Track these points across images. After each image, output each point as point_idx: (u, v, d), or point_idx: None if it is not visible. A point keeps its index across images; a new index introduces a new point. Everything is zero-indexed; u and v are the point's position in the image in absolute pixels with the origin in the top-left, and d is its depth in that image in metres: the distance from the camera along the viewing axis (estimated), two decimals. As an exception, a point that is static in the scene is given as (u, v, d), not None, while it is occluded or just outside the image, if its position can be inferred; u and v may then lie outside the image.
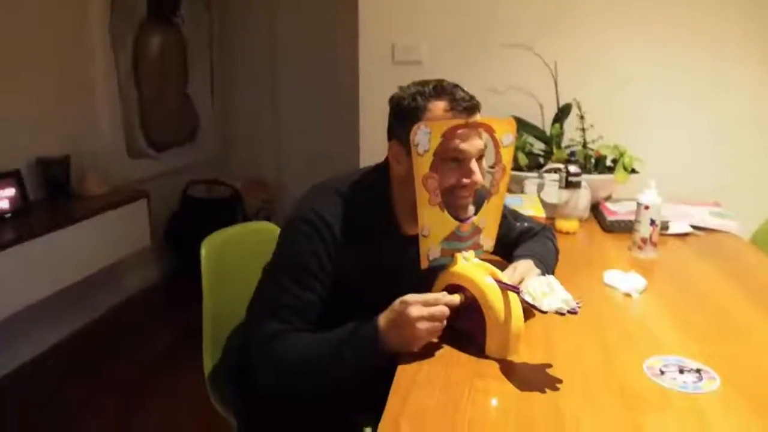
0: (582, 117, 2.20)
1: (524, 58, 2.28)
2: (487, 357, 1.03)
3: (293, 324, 1.09)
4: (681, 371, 0.99)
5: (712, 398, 0.92)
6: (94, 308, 3.00)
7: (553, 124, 2.26)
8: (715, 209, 2.04)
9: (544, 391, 0.93)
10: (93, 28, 2.91)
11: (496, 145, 1.11)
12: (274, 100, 4.05)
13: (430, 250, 1.09)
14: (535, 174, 2.03)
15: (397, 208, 1.19)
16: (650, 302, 1.33)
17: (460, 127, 1.05)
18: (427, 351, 1.04)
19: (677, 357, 1.04)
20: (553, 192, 1.92)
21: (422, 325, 0.99)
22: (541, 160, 2.20)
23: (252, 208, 3.86)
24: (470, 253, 1.12)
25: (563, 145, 2.21)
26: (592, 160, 2.12)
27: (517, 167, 2.11)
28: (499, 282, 1.04)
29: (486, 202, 1.15)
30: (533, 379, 0.97)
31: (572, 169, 1.85)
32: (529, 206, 1.86)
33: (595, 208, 2.03)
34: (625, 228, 1.79)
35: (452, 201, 1.09)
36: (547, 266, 1.30)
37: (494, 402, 0.92)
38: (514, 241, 1.40)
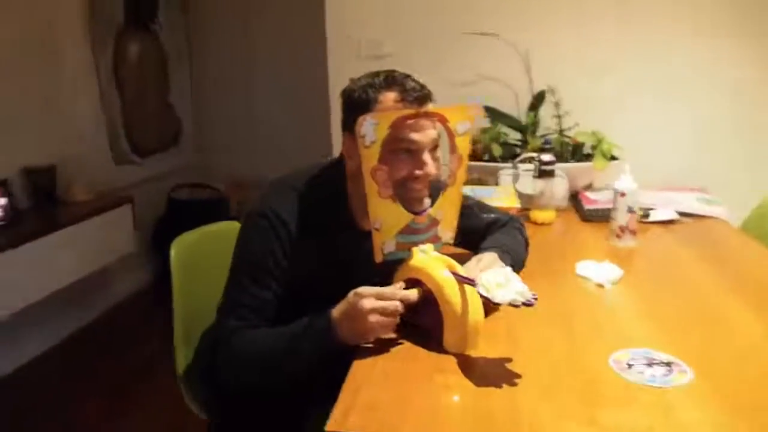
0: (557, 104, 2.14)
1: (496, 48, 2.23)
2: (447, 352, 1.00)
3: (251, 321, 1.10)
4: (650, 364, 0.94)
5: (681, 392, 0.87)
6: (84, 313, 3.00)
7: (528, 112, 2.20)
8: (703, 195, 1.99)
9: (502, 386, 0.89)
10: (74, 35, 2.93)
11: (450, 134, 1.08)
12: (250, 102, 4.05)
13: (384, 244, 1.06)
14: (509, 165, 1.97)
15: (352, 202, 1.18)
16: (624, 293, 1.28)
17: (410, 117, 1.03)
18: (385, 346, 1.02)
19: (647, 350, 0.99)
20: (528, 182, 1.86)
21: (373, 318, 0.96)
22: (518, 150, 2.13)
23: (236, 209, 3.84)
24: (428, 246, 1.09)
25: (540, 133, 2.15)
26: (569, 148, 2.07)
27: (491, 158, 2.05)
28: (455, 275, 1.00)
29: (442, 193, 1.11)
30: (493, 373, 0.94)
31: (545, 157, 1.78)
32: (503, 198, 1.80)
33: (575, 198, 1.98)
34: (603, 217, 1.72)
35: (405, 193, 1.07)
36: (516, 258, 1.28)
37: (455, 397, 0.89)
38: (482, 232, 1.37)
